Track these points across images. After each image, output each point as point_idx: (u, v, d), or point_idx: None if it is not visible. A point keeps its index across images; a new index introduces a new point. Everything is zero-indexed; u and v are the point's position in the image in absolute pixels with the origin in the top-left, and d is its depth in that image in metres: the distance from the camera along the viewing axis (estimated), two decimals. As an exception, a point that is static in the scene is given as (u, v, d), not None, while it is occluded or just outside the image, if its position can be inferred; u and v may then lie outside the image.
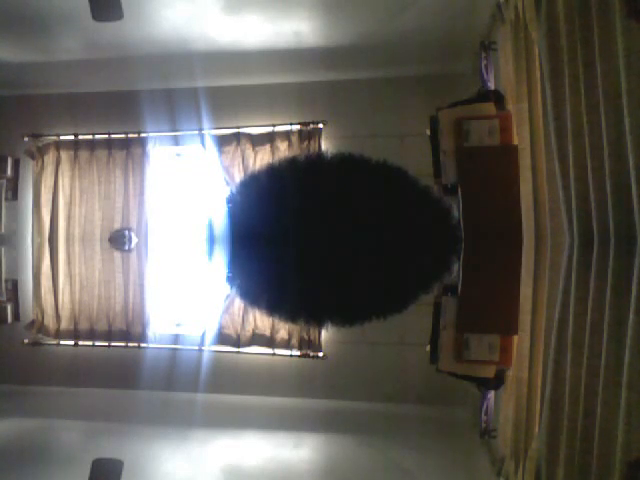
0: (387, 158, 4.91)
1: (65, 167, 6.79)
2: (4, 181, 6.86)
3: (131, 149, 6.72)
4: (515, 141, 3.86)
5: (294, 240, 4.23)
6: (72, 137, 6.81)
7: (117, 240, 6.48)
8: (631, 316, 1.08)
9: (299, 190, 4.41)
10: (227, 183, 6.32)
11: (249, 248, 4.50)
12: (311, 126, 6.31)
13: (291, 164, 5.24)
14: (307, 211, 4.18)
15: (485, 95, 4.30)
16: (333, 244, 4.09)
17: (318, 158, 5.71)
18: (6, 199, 6.90)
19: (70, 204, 6.73)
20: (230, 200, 5.00)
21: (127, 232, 6.56)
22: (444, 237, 4.26)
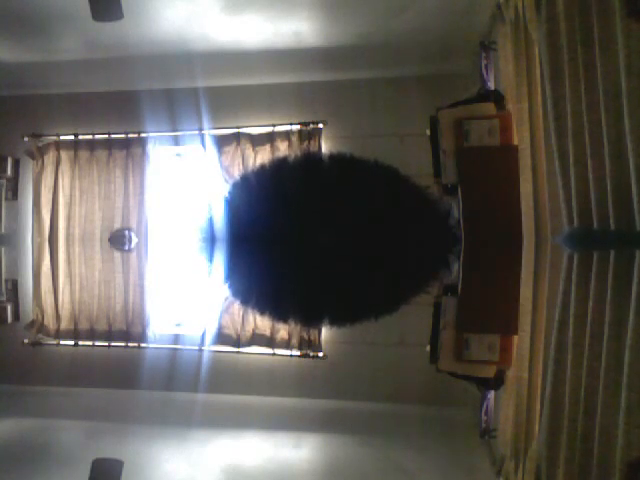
0: (387, 158, 4.92)
1: (65, 167, 6.79)
2: (4, 181, 6.85)
3: (131, 149, 6.71)
4: (515, 141, 3.86)
5: (290, 240, 4.23)
6: (72, 137, 6.81)
7: (117, 240, 6.48)
8: (631, 317, 1.08)
9: (296, 191, 4.42)
10: (227, 183, 6.31)
11: (246, 248, 4.50)
12: (311, 126, 6.30)
13: (287, 165, 5.24)
14: (302, 211, 4.18)
15: (485, 95, 4.29)
16: (328, 244, 4.09)
17: (313, 158, 5.72)
18: (6, 199, 6.90)
19: (70, 204, 6.73)
20: (227, 200, 5.01)
21: (127, 232, 6.56)
22: (441, 236, 4.26)
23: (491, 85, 4.75)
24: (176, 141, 6.66)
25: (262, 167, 5.49)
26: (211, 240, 5.34)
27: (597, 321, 1.08)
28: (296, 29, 5.16)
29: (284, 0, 4.65)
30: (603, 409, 0.63)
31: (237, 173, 6.36)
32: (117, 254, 4.95)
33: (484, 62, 4.84)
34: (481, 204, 3.84)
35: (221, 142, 6.48)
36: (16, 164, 6.92)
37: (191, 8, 4.76)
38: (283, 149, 6.32)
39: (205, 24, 5.05)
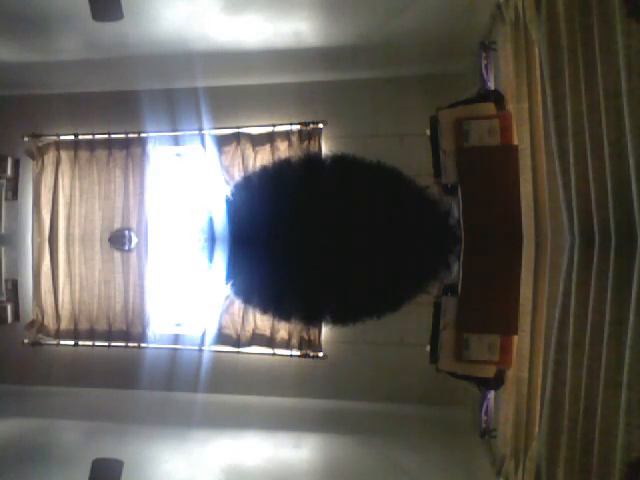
0: (387, 158, 4.92)
1: (65, 167, 6.79)
2: (4, 181, 6.85)
3: (131, 149, 6.71)
4: (515, 141, 3.86)
5: (291, 240, 4.23)
6: (72, 137, 6.81)
7: (117, 240, 6.48)
8: (631, 317, 1.08)
9: (296, 191, 4.42)
10: (227, 183, 6.32)
11: (248, 248, 4.50)
12: (311, 126, 6.30)
13: (288, 165, 5.24)
14: (303, 211, 4.18)
15: (485, 95, 4.29)
16: (328, 243, 4.09)
17: (314, 159, 5.72)
18: (6, 199, 6.90)
19: (70, 204, 6.73)
20: (228, 201, 5.01)
21: (127, 232, 6.56)
22: (441, 236, 4.26)
23: (491, 85, 4.75)
24: (176, 141, 6.66)
25: (264, 168, 5.50)
26: (211, 240, 5.34)
27: (597, 321, 1.08)
28: (296, 29, 5.16)
29: (284, 0, 4.65)
30: (603, 409, 0.63)
31: (237, 173, 6.36)
32: (117, 254, 4.95)
33: (484, 62, 4.84)
34: (481, 204, 3.84)
35: (221, 142, 6.48)
36: (16, 164, 6.92)
37: (191, 8, 4.76)
38: (283, 149, 6.32)
39: (205, 24, 5.05)
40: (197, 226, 6.17)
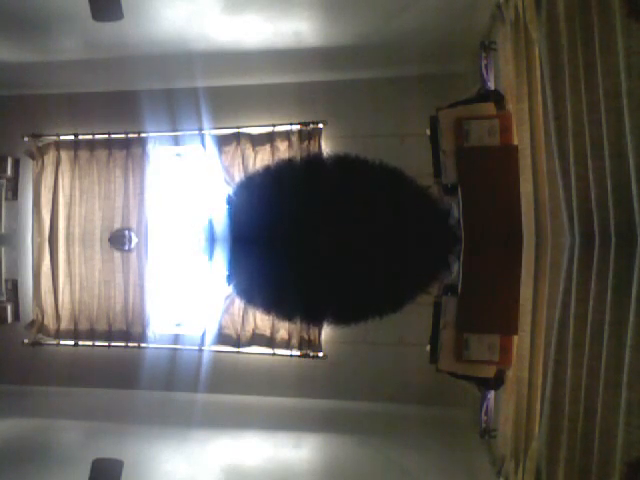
0: (387, 158, 4.92)
1: (65, 167, 6.79)
2: (4, 181, 6.85)
3: (131, 149, 6.71)
4: (515, 141, 3.86)
5: (292, 240, 4.23)
6: (72, 137, 6.81)
7: (117, 240, 6.48)
8: (631, 317, 1.08)
9: (297, 191, 4.42)
10: (227, 183, 6.32)
11: (248, 248, 4.50)
12: (311, 126, 6.30)
13: (289, 165, 5.25)
14: (304, 211, 4.19)
15: (485, 95, 4.29)
16: (329, 243, 4.10)
17: (315, 159, 5.72)
18: (6, 199, 6.90)
19: (70, 204, 6.73)
20: (229, 201, 5.01)
21: (127, 232, 6.56)
22: (441, 236, 4.27)
23: (491, 85, 4.75)
24: (176, 141, 6.66)
25: (265, 167, 5.50)
26: (212, 240, 5.35)
27: (597, 321, 1.08)
28: (296, 29, 5.16)
29: (284, 0, 4.65)
30: (603, 409, 0.63)
31: (237, 173, 6.36)
32: (117, 254, 4.95)
33: (484, 62, 4.84)
34: (481, 204, 3.84)
35: (221, 142, 6.48)
36: (16, 164, 6.92)
37: (191, 8, 4.76)
38: (283, 149, 6.33)
39: (205, 24, 5.05)
40: (197, 226, 6.17)
